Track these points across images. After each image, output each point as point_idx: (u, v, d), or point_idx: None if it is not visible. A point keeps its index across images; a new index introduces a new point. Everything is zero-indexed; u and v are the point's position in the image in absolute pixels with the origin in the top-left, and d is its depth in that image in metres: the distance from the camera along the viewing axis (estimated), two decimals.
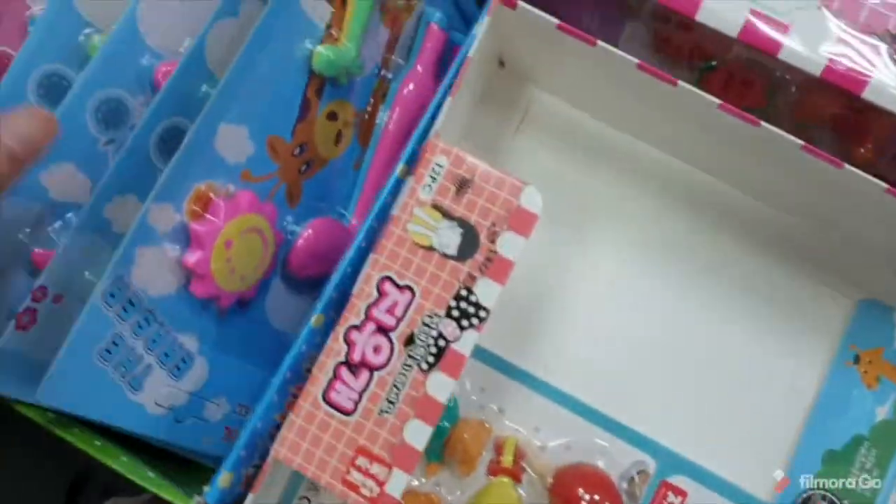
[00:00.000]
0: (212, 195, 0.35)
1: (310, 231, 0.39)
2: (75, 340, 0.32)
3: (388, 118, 0.41)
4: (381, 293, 0.33)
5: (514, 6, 0.34)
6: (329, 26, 0.37)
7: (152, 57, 0.37)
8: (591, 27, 0.41)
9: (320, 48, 0.36)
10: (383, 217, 0.36)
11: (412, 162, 0.37)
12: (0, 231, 0.35)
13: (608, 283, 0.41)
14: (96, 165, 0.37)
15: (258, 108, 0.35)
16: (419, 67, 0.41)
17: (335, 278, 0.35)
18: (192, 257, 0.34)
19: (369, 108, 0.40)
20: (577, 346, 0.41)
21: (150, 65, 0.37)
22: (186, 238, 0.35)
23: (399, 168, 0.36)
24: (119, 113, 0.37)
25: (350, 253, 0.35)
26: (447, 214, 0.33)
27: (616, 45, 0.36)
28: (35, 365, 0.34)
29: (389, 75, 0.41)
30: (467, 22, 0.44)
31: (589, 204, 0.40)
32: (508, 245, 0.32)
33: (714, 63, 0.39)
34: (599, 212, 0.40)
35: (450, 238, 0.33)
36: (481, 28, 0.34)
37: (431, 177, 0.33)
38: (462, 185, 0.33)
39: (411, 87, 0.40)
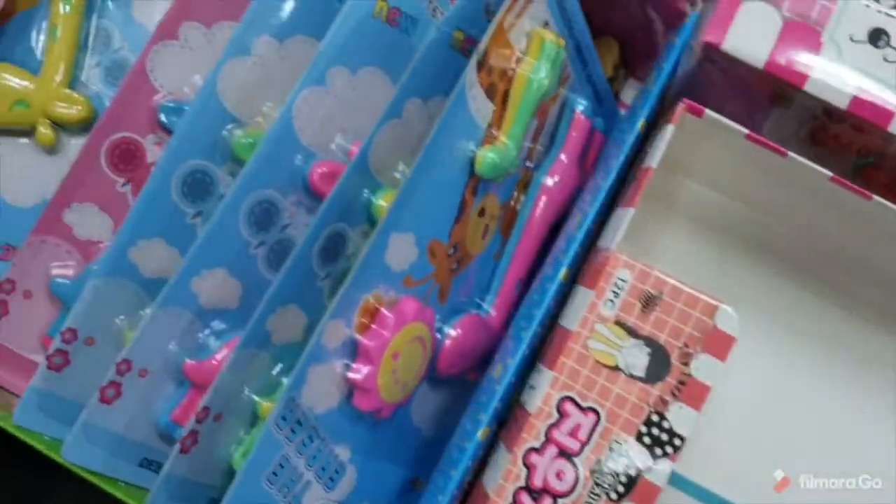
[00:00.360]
0: (378, 305, 0.33)
1: (459, 331, 0.38)
2: (249, 469, 0.31)
3: (531, 210, 0.39)
4: (563, 414, 0.32)
5: (701, 114, 0.32)
6: (490, 125, 0.35)
7: (305, 155, 0.35)
8: (735, 112, 0.39)
9: (484, 152, 0.35)
10: (544, 322, 0.35)
11: (574, 266, 0.35)
12: (152, 341, 0.34)
13: (758, 380, 0.40)
14: (247, 269, 0.35)
15: (424, 214, 0.34)
16: (563, 157, 0.39)
17: (500, 390, 0.34)
18: (361, 373, 0.33)
19: (513, 200, 0.39)
20: (727, 445, 0.39)
21: (303, 164, 0.35)
22: (353, 351, 0.33)
23: (562, 272, 0.35)
24: (270, 214, 0.35)
25: (514, 362, 0.34)
26: (633, 333, 0.31)
27: (759, 132, 0.34)
28: (196, 487, 0.33)
29: (532, 164, 0.40)
30: (599, 100, 0.43)
31: (742, 299, 0.38)
32: (704, 368, 0.31)
33: (872, 159, 0.38)
34: (752, 307, 0.39)
35: (637, 358, 0.31)
36: (663, 135, 0.32)
37: (614, 291, 0.32)
38: (649, 301, 0.31)
39: (557, 178, 0.39)
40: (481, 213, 0.38)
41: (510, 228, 0.40)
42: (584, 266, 0.36)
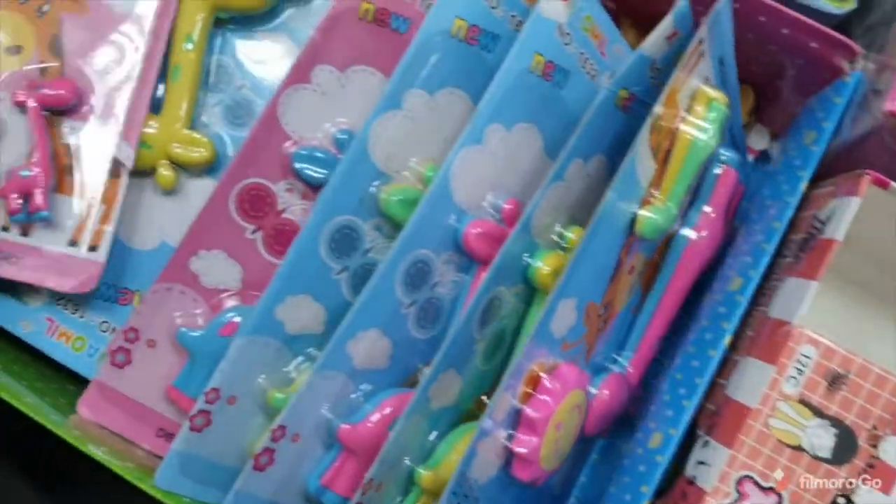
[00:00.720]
0: (540, 373, 0.32)
1: (606, 392, 0.36)
2: None
3: (677, 265, 0.38)
4: (742, 494, 0.31)
5: (887, 187, 0.31)
6: (650, 185, 0.34)
7: (458, 214, 0.34)
8: (877, 164, 0.38)
9: (647, 213, 0.34)
10: (707, 393, 0.34)
11: (738, 333, 0.34)
12: (306, 405, 0.33)
13: None
14: (397, 329, 0.35)
15: (585, 278, 0.33)
16: (711, 211, 0.38)
17: (663, 463, 0.33)
18: (526, 445, 0.32)
19: (656, 255, 0.38)
20: None
21: (456, 223, 0.34)
22: (515, 420, 0.32)
23: (727, 339, 0.34)
24: (424, 274, 0.34)
25: (678, 434, 0.33)
26: (818, 412, 0.30)
27: None
28: None
29: None
30: (736, 149, 0.42)
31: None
32: (893, 451, 0.30)
33: None
34: None
35: (822, 439, 0.30)
36: (846, 208, 0.31)
37: (797, 369, 0.31)
38: (835, 380, 0.30)
39: (704, 232, 0.38)
40: (630, 270, 0.37)
41: (651, 283, 0.39)
42: (748, 334, 0.35)
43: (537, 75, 0.35)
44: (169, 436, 0.39)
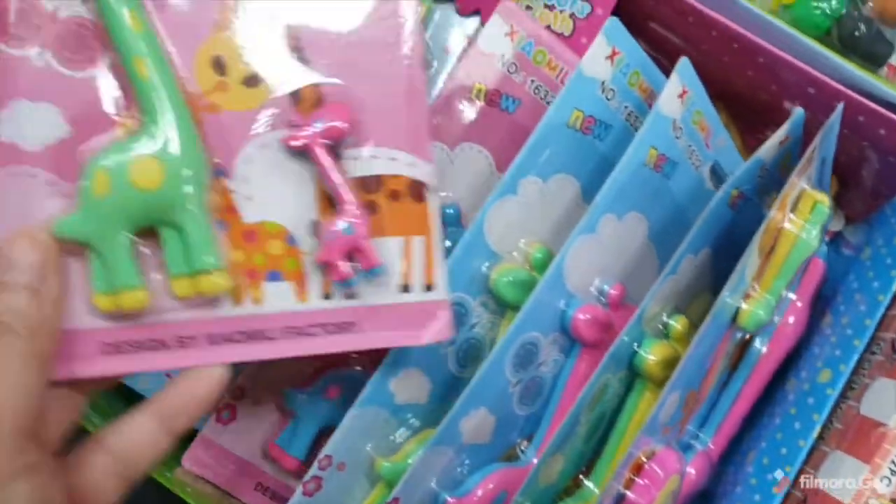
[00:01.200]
0: (643, 459, 0.34)
1: (692, 471, 0.38)
2: None
3: (764, 351, 0.40)
4: None
5: None
6: (753, 279, 0.36)
7: (567, 299, 0.36)
8: None
9: (753, 308, 0.35)
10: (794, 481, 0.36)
11: (825, 423, 0.36)
12: (417, 479, 0.34)
13: None
14: (503, 407, 0.36)
15: (692, 370, 0.35)
16: (797, 300, 0.40)
17: None
18: None
19: (746, 337, 0.40)
20: None
21: (565, 307, 0.36)
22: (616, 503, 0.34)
23: (817, 430, 0.36)
24: (531, 354, 0.36)
25: None
26: None
27: None
28: None
29: None
30: None
31: None
32: None
33: None
34: None
35: None
36: None
37: (890, 469, 0.32)
38: None
39: (791, 320, 0.39)
40: (724, 355, 0.38)
41: (737, 364, 0.40)
42: (836, 426, 0.37)
43: (650, 168, 0.36)
44: (265, 489, 0.40)
